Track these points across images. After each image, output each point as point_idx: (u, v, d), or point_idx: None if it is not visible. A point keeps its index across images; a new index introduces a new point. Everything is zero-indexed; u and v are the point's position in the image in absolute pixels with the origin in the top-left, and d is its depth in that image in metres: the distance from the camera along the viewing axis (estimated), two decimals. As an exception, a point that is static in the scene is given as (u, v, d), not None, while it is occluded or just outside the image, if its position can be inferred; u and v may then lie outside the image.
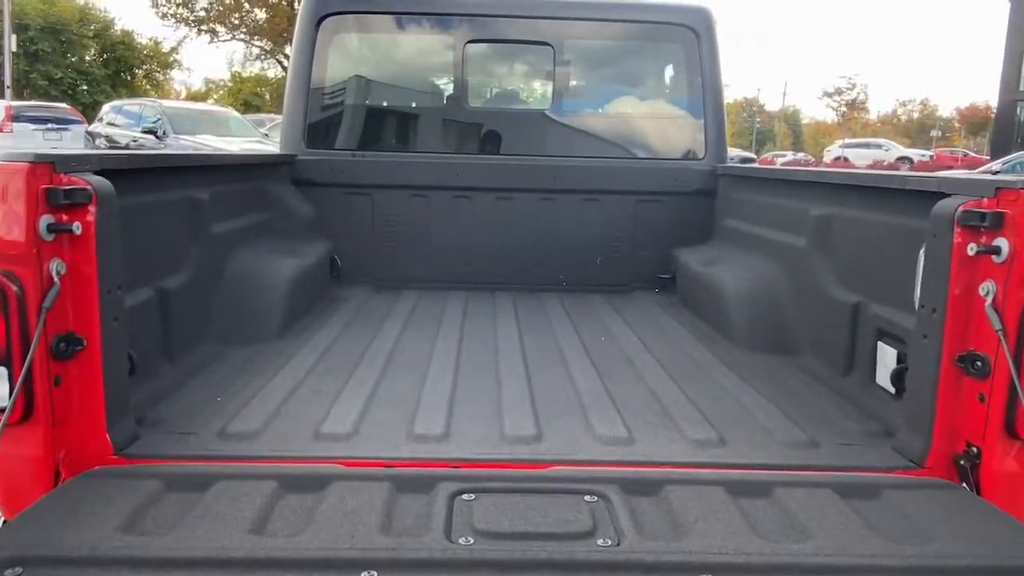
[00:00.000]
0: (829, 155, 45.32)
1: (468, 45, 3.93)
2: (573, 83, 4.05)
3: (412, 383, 2.44)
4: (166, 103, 18.45)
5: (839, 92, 71.38)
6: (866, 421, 2.20)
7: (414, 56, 4.05)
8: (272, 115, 26.14)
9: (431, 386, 2.40)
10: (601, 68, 4.19)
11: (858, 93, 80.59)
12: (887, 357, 2.30)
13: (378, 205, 3.94)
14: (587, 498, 1.63)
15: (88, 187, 1.72)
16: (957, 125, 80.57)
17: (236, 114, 20.12)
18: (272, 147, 13.79)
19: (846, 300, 2.57)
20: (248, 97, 45.22)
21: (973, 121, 72.45)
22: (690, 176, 3.98)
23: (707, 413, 2.22)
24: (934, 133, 75.25)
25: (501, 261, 4.02)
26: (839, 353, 2.59)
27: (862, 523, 1.53)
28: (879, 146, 44.72)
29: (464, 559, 1.40)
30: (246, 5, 38.20)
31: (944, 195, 1.97)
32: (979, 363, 1.76)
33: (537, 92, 4.23)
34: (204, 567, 1.36)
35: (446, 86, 4.07)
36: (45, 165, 1.68)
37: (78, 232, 1.69)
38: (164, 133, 15.86)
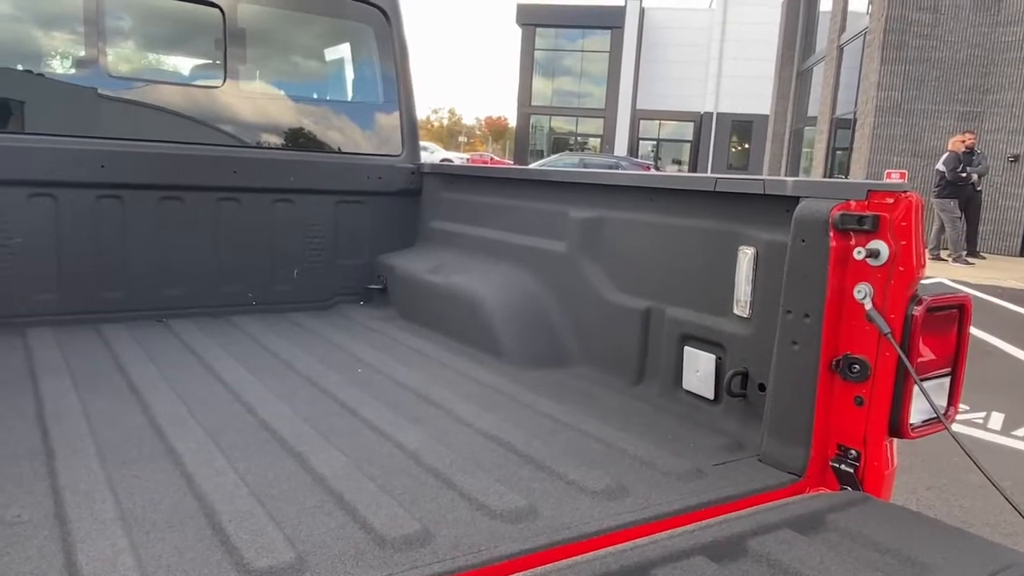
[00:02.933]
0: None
1: (104, -7, 2.91)
2: (251, 59, 3.29)
3: (167, 478, 1.63)
4: None
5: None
6: (704, 433, 2.11)
7: (24, 1, 2.86)
8: None
9: (202, 478, 1.63)
10: (283, 44, 3.49)
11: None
12: (699, 362, 2.25)
13: None
14: None
15: None
16: (479, 132, 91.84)
17: None
18: None
19: (632, 306, 2.47)
20: None
21: (494, 129, 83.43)
22: (393, 174, 3.56)
23: (569, 452, 1.90)
24: (462, 139, 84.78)
25: (170, 280, 3.10)
26: (627, 361, 2.49)
27: (863, 566, 1.39)
28: (425, 148, 48.50)
29: None
30: None
31: (782, 198, 1.96)
32: (856, 366, 1.77)
33: (206, 65, 3.35)
34: None
35: (75, 47, 2.96)
36: None
37: None
38: None
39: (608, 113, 39.29)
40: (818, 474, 1.85)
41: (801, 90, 25.68)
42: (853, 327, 1.78)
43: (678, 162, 40.16)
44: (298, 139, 3.42)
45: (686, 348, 2.30)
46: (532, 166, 26.45)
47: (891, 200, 1.72)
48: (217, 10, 3.14)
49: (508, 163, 38.40)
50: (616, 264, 2.58)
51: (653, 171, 26.50)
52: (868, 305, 1.73)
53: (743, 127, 37.67)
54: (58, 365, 2.37)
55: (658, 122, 39.90)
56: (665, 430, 2.13)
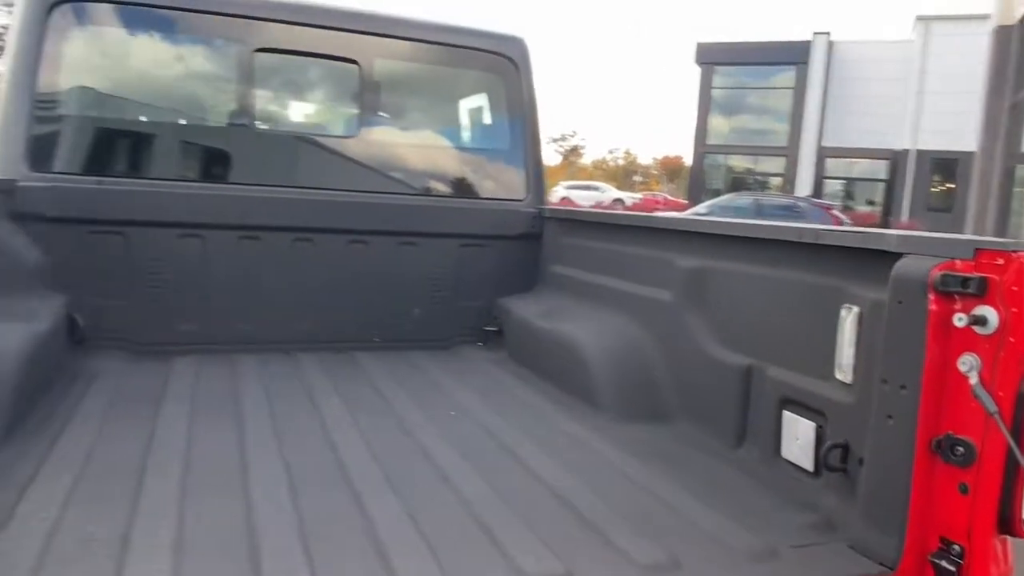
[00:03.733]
0: (555, 195, 48.54)
1: (257, 54, 3.22)
2: (383, 109, 3.50)
3: (232, 508, 1.73)
4: None
5: (563, 138, 78.31)
6: (796, 508, 1.93)
7: (186, 62, 3.24)
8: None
9: (262, 511, 1.72)
10: (415, 95, 3.69)
11: (580, 140, 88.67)
12: (798, 429, 2.07)
13: (136, 247, 3.06)
14: None
15: None
16: (655, 172, 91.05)
17: None
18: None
19: (734, 363, 2.32)
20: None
21: (669, 169, 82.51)
22: (516, 218, 3.62)
23: (633, 518, 1.80)
24: (636, 178, 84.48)
25: (301, 316, 3.32)
26: (727, 422, 2.34)
27: None
28: (596, 188, 48.70)
29: None
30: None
31: (887, 253, 1.77)
32: (961, 449, 1.54)
33: (342, 116, 3.61)
34: None
35: (228, 102, 3.30)
36: None
37: None
38: None
39: (790, 151, 37.57)
40: (914, 569, 1.62)
41: (1014, 124, 23.19)
42: (958, 403, 1.56)
43: (871, 203, 37.51)
44: (426, 185, 3.57)
45: (785, 413, 2.12)
46: (700, 206, 25.60)
47: (1001, 261, 1.50)
48: (355, 65, 3.37)
49: (682, 203, 37.64)
50: (719, 316, 2.44)
51: (837, 212, 24.84)
52: (974, 379, 1.51)
53: (946, 165, 34.52)
54: (184, 392, 2.61)
55: (847, 160, 37.56)
56: (752, 502, 1.97)
